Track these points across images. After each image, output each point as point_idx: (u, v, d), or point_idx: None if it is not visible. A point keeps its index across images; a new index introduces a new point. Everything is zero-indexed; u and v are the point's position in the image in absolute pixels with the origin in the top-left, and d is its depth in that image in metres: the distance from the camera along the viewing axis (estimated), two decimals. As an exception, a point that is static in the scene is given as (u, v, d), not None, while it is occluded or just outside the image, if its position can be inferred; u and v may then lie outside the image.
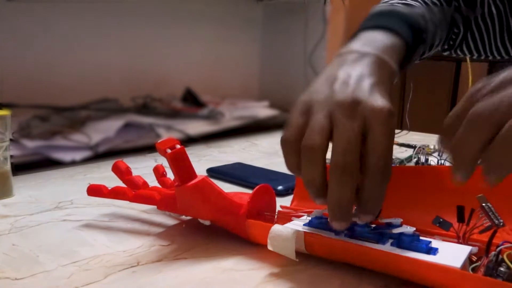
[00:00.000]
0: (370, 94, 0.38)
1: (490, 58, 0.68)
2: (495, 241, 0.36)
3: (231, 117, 1.09)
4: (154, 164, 0.57)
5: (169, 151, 0.43)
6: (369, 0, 0.71)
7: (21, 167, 0.70)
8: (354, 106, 0.37)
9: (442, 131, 0.35)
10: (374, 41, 0.47)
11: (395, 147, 0.89)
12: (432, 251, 0.36)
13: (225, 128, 1.06)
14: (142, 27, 0.95)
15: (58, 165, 0.77)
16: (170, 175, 0.50)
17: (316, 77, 0.44)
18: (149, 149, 0.83)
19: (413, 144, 0.86)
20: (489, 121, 0.31)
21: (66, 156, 0.80)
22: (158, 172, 0.56)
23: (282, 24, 1.23)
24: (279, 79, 1.24)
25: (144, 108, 0.97)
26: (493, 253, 0.34)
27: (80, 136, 0.84)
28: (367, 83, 0.40)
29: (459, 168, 0.32)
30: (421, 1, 0.58)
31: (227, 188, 0.47)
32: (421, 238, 0.38)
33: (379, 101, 0.38)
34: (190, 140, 0.97)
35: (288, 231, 0.40)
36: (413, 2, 0.57)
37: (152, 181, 0.54)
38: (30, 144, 0.78)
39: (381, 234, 0.39)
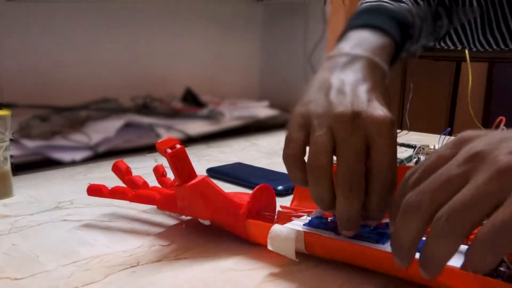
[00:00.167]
0: (368, 104, 0.38)
1: (474, 50, 0.69)
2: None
3: (231, 117, 1.09)
4: (154, 164, 0.57)
5: (169, 151, 0.43)
6: (369, 0, 0.70)
7: (21, 167, 0.70)
8: (354, 119, 0.37)
9: (389, 217, 0.35)
10: (364, 42, 0.46)
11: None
12: (432, 251, 0.36)
13: (225, 128, 1.06)
14: (142, 27, 0.95)
15: (58, 165, 0.77)
16: (170, 175, 0.50)
17: (308, 84, 0.43)
18: (149, 149, 0.83)
19: (413, 144, 0.86)
20: (418, 213, 0.30)
21: (66, 156, 0.80)
22: (158, 172, 0.56)
23: (282, 24, 1.23)
24: (279, 79, 1.24)
25: (144, 108, 0.97)
26: (493, 253, 0.34)
27: (80, 136, 0.84)
28: (363, 90, 0.40)
29: (398, 255, 0.31)
30: None
31: (227, 188, 0.47)
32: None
33: (379, 110, 0.38)
34: (190, 140, 0.97)
35: (288, 231, 0.40)
36: None
37: (152, 181, 0.54)
38: (30, 144, 0.78)
39: (381, 234, 0.39)
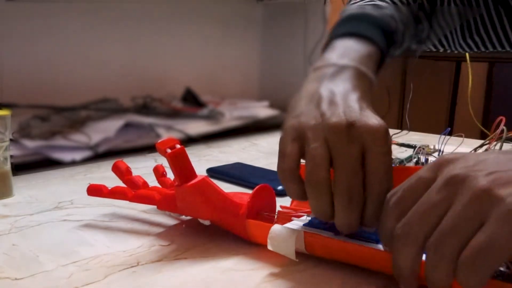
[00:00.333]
0: (361, 113, 0.38)
1: (456, 52, 0.69)
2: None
3: (231, 117, 1.09)
4: (154, 164, 0.57)
5: (169, 151, 0.43)
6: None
7: (21, 167, 0.70)
8: (349, 129, 0.37)
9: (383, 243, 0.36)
10: (350, 51, 0.46)
11: (395, 147, 0.89)
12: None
13: (225, 128, 1.06)
14: (142, 27, 0.95)
15: (58, 165, 0.76)
16: (170, 175, 0.50)
17: (296, 96, 0.43)
18: (149, 149, 0.83)
19: (413, 144, 0.86)
20: (409, 243, 0.32)
21: (66, 156, 0.80)
22: (158, 172, 0.56)
23: (282, 24, 1.23)
24: (279, 79, 1.24)
25: (144, 108, 0.97)
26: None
27: (80, 136, 0.84)
28: (353, 99, 0.40)
29: (402, 282, 0.33)
30: (388, 0, 0.58)
31: (227, 188, 0.47)
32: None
33: (373, 119, 0.38)
34: (190, 140, 0.97)
35: (288, 231, 0.40)
36: (381, 3, 0.57)
37: (152, 181, 0.54)
38: (30, 144, 0.78)
39: (381, 234, 0.39)
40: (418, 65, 2.23)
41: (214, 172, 0.70)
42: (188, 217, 0.51)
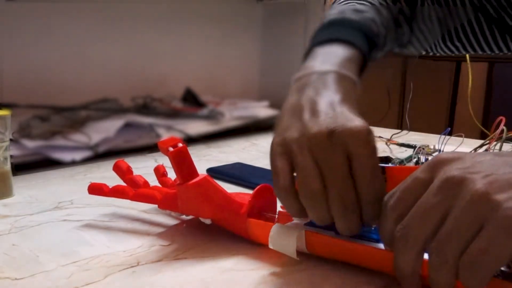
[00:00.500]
0: (341, 116, 0.38)
1: (438, 55, 0.70)
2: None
3: (231, 117, 1.09)
4: (154, 164, 0.57)
5: (171, 149, 0.43)
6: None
7: (21, 167, 0.70)
8: (330, 137, 0.37)
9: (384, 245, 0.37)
10: (331, 56, 0.46)
11: (395, 147, 0.89)
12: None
13: (225, 128, 1.06)
14: (142, 27, 0.95)
15: (58, 165, 0.76)
16: (171, 175, 0.50)
17: (280, 111, 0.43)
18: (149, 149, 0.83)
19: (413, 144, 0.86)
20: (409, 246, 0.32)
21: (66, 156, 0.80)
22: (159, 172, 0.56)
23: (282, 24, 1.23)
24: (279, 79, 1.23)
25: (144, 108, 0.97)
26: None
27: (80, 136, 0.84)
28: (334, 103, 0.40)
29: (405, 284, 0.34)
30: (369, 3, 0.58)
31: (227, 188, 0.47)
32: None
33: (354, 121, 0.37)
34: (190, 140, 0.97)
35: (289, 230, 0.40)
36: (361, 7, 0.57)
37: (153, 181, 0.54)
38: (30, 144, 0.78)
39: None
40: (418, 65, 2.23)
41: (214, 172, 0.70)
42: (189, 217, 0.51)
